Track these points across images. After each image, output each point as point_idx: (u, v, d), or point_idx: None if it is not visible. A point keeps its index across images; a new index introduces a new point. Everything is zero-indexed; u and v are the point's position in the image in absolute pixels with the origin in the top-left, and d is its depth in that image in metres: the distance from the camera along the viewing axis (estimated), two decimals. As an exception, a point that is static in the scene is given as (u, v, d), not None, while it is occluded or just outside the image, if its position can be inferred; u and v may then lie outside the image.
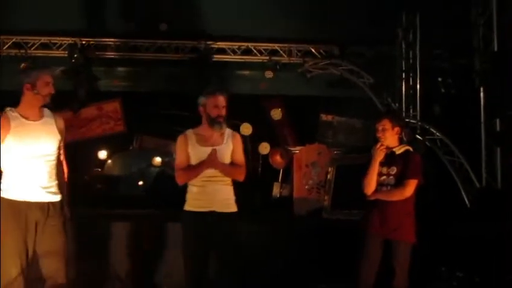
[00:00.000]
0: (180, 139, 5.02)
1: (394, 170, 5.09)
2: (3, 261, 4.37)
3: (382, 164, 5.11)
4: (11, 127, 4.47)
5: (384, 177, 5.10)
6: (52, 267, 4.50)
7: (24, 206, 4.46)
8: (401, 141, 5.27)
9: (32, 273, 4.54)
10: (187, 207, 4.93)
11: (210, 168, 4.82)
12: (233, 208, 4.95)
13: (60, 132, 4.70)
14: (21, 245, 4.42)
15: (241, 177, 4.98)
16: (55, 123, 4.67)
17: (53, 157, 4.63)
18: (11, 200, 4.47)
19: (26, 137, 4.49)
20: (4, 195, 4.49)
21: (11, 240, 4.40)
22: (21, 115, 4.54)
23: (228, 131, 5.01)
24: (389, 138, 5.14)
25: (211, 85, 5.15)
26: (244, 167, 5.00)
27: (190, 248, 4.86)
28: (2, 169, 4.54)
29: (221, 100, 4.92)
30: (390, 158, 5.11)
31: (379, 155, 5.09)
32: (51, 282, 4.50)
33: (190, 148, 4.92)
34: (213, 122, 4.91)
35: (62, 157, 4.79)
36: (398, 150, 5.15)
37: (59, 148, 4.68)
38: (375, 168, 5.08)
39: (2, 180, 4.54)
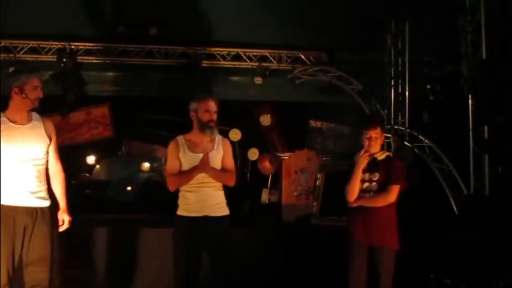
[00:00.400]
0: (171, 145, 5.03)
1: (376, 176, 5.06)
2: None
3: (364, 171, 5.08)
4: None
5: (367, 183, 5.08)
6: (37, 276, 4.45)
7: (12, 211, 4.42)
8: (382, 147, 5.25)
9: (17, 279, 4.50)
10: (179, 211, 4.95)
11: (202, 173, 4.83)
12: (225, 211, 4.99)
13: (49, 136, 4.66)
14: (9, 251, 4.38)
15: (231, 182, 5.02)
16: (43, 127, 4.63)
17: (42, 161, 4.60)
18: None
19: (13, 141, 4.45)
20: None
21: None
22: (8, 119, 4.52)
23: (218, 137, 5.03)
24: (377, 146, 5.14)
25: (202, 90, 5.17)
26: (234, 172, 5.04)
27: (182, 252, 4.86)
28: None
29: (212, 105, 4.94)
30: (372, 164, 5.09)
31: (363, 162, 5.06)
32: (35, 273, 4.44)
33: (181, 154, 4.93)
34: (204, 126, 4.93)
35: (56, 161, 4.74)
36: (380, 156, 5.13)
37: (47, 152, 4.64)
38: (358, 175, 5.05)
39: None
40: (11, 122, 4.51)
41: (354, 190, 5.04)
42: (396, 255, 5.04)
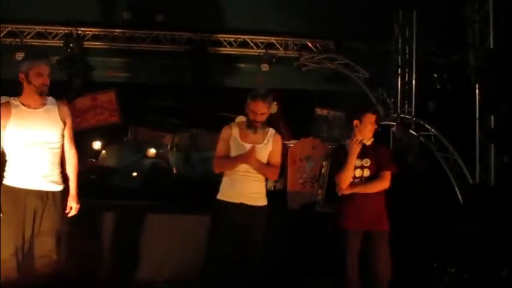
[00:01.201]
0: (224, 130, 5.12)
1: (368, 162, 5.02)
2: (2, 248, 4.40)
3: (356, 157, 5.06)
4: (11, 115, 4.49)
5: (359, 170, 5.05)
6: (44, 247, 4.49)
7: (23, 193, 4.48)
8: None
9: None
10: (219, 196, 5.05)
11: (246, 164, 4.93)
12: (262, 202, 5.07)
13: (63, 120, 4.67)
14: (19, 231, 4.43)
15: (273, 177, 5.27)
16: (57, 112, 4.65)
17: (55, 145, 4.62)
18: (11, 186, 4.50)
19: (27, 125, 4.50)
20: (5, 182, 4.52)
21: (9, 228, 4.42)
22: (22, 103, 4.57)
23: (270, 131, 5.12)
24: (372, 132, 5.11)
25: (258, 90, 5.21)
26: (278, 168, 5.15)
27: (216, 235, 5.01)
28: (6, 156, 4.57)
29: (259, 106, 4.99)
30: (362, 150, 5.04)
31: (356, 149, 5.00)
32: (43, 260, 4.49)
33: (232, 140, 5.03)
34: (249, 124, 5.03)
35: (70, 146, 4.76)
36: (368, 142, 5.08)
37: (62, 137, 4.67)
38: (352, 162, 5.00)
39: (5, 168, 4.57)
40: (25, 106, 4.56)
41: (347, 177, 5.01)
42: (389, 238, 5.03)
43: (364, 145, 5.05)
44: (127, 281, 6.57)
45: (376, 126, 5.11)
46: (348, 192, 5.03)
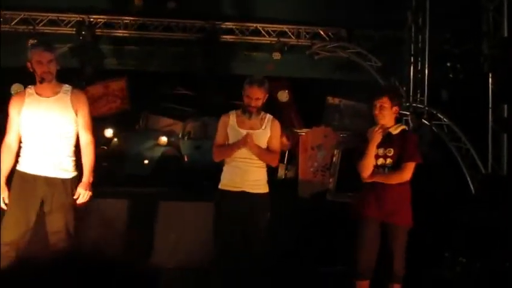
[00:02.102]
0: (222, 119, 5.15)
1: (391, 152, 4.90)
2: (3, 232, 4.45)
3: (378, 146, 4.91)
4: (24, 103, 4.54)
5: (381, 159, 4.92)
6: (56, 223, 4.52)
7: (31, 179, 4.51)
8: (396, 121, 5.06)
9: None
10: (220, 185, 5.07)
11: (246, 150, 4.95)
12: (263, 189, 5.07)
13: (75, 108, 4.66)
14: (21, 217, 4.47)
15: (273, 163, 5.20)
16: (70, 100, 4.64)
17: (67, 134, 4.62)
18: (21, 172, 4.55)
19: (37, 113, 4.53)
20: (18, 167, 4.58)
21: (14, 212, 4.48)
22: (36, 92, 4.59)
23: (268, 117, 5.11)
24: (387, 117, 4.93)
25: (254, 76, 5.21)
26: (278, 153, 5.17)
27: (220, 224, 5.02)
28: (22, 143, 4.62)
29: (253, 91, 4.99)
30: (386, 139, 4.90)
31: (377, 138, 4.88)
32: (56, 236, 4.50)
33: (229, 128, 5.05)
34: (244, 110, 5.04)
35: (86, 135, 4.75)
36: (395, 130, 4.93)
37: (74, 125, 4.66)
38: (372, 151, 4.89)
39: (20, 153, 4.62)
40: (38, 94, 4.58)
41: (368, 166, 4.90)
42: (408, 233, 4.97)
43: (389, 133, 4.94)
44: (137, 268, 6.59)
45: (391, 111, 4.96)
46: (369, 180, 4.96)
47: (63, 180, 4.60)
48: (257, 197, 5.00)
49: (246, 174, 4.98)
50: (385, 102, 4.94)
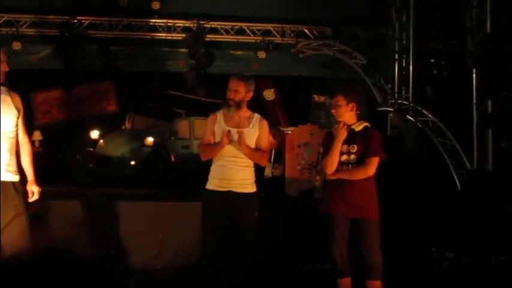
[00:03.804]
0: (210, 117, 5.15)
1: (354, 148, 4.92)
2: None
3: (342, 143, 4.94)
4: None
5: (345, 156, 4.93)
6: (14, 232, 4.42)
7: None
8: (358, 118, 5.03)
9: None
10: (208, 185, 5.05)
11: (232, 149, 4.92)
12: (251, 189, 5.04)
13: (18, 109, 4.62)
14: None
15: (263, 162, 5.21)
16: (11, 100, 4.61)
17: (12, 134, 4.56)
18: None
19: None
20: None
21: None
22: None
23: (256, 116, 5.08)
24: (345, 114, 4.96)
25: (241, 71, 5.21)
26: (267, 152, 5.17)
27: (207, 225, 5.00)
28: None
29: (232, 83, 5.00)
30: (350, 136, 4.92)
31: (342, 134, 4.90)
32: (13, 247, 4.40)
33: (216, 127, 5.03)
34: (224, 103, 5.07)
35: (23, 134, 4.71)
36: (358, 127, 4.96)
37: (17, 125, 4.62)
38: (337, 148, 4.91)
39: None
40: None
41: (333, 163, 4.93)
42: (379, 227, 4.96)
43: (352, 130, 4.97)
44: (125, 269, 6.58)
45: (348, 108, 4.98)
46: (333, 177, 4.98)
47: (14, 183, 4.54)
48: (245, 196, 4.97)
49: (233, 174, 4.95)
50: (339, 100, 4.98)
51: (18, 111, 4.62)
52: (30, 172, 4.73)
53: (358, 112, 5.00)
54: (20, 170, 4.67)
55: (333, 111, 5.03)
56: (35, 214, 4.77)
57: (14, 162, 4.58)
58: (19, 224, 4.48)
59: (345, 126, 4.94)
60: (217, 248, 4.92)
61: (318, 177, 8.33)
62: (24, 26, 12.28)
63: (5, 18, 12.18)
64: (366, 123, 5.04)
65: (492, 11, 9.23)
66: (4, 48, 4.70)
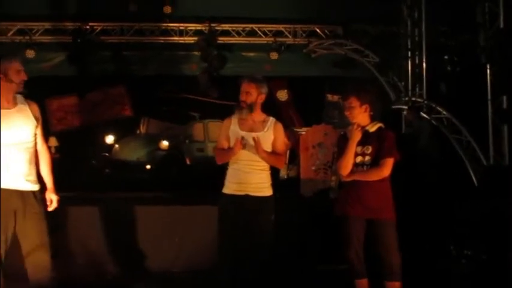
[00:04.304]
0: (225, 121, 5.15)
1: (369, 149, 4.90)
2: None
3: (356, 144, 4.93)
4: None
5: (360, 157, 4.91)
6: (39, 261, 4.45)
7: (4, 194, 4.41)
8: (372, 118, 5.01)
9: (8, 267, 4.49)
10: (224, 190, 5.06)
11: (248, 153, 4.93)
12: (267, 192, 5.04)
13: (36, 118, 4.65)
14: (2, 233, 4.39)
15: (280, 165, 5.25)
16: (30, 110, 4.63)
17: (31, 144, 4.58)
18: None
19: (1, 126, 4.43)
20: None
21: None
22: None
23: (271, 120, 5.09)
24: (359, 116, 4.95)
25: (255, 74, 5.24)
26: (284, 155, 5.24)
27: (224, 229, 5.01)
28: None
29: (244, 86, 5.00)
30: (364, 137, 4.91)
31: (357, 136, 4.88)
32: (38, 277, 4.43)
33: (231, 131, 5.03)
34: (236, 105, 5.05)
35: (42, 143, 4.74)
36: (372, 128, 4.94)
37: (35, 135, 4.64)
38: (352, 150, 4.89)
39: None
40: None
41: (347, 164, 4.91)
42: (396, 227, 4.93)
43: (367, 132, 4.95)
44: (142, 273, 6.61)
45: (361, 109, 4.96)
46: (348, 179, 4.96)
47: (34, 193, 4.54)
48: (261, 200, 4.97)
49: (250, 177, 4.95)
50: (353, 102, 4.96)
51: (37, 120, 4.64)
52: (50, 180, 4.76)
53: (371, 113, 4.98)
54: (39, 178, 4.69)
55: (347, 113, 5.00)
56: (54, 220, 4.78)
57: (33, 171, 4.60)
58: (41, 235, 4.50)
59: (359, 128, 4.92)
60: (233, 252, 4.92)
61: (333, 178, 8.28)
62: (37, 34, 12.36)
63: (18, 27, 12.27)
64: (380, 124, 5.01)
65: (505, 5, 9.15)
66: (19, 57, 4.72)
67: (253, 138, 4.87)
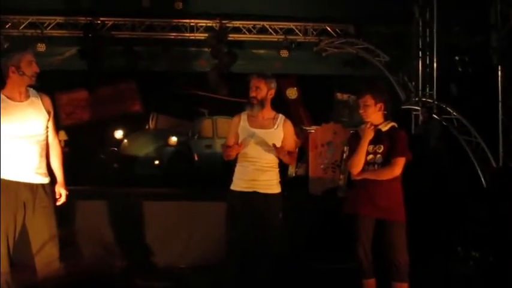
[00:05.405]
0: (234, 118, 5.15)
1: (381, 148, 4.86)
2: None
3: (368, 143, 4.88)
4: None
5: (371, 155, 4.87)
6: (47, 254, 4.45)
7: (14, 186, 4.43)
8: (385, 117, 4.97)
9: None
10: (232, 186, 5.05)
11: (256, 150, 4.92)
12: (276, 189, 5.02)
13: (48, 111, 4.65)
14: (11, 225, 4.41)
15: (292, 162, 5.43)
16: (41, 103, 4.64)
17: (43, 137, 4.58)
18: (1, 179, 4.43)
19: (13, 118, 4.44)
20: None
21: (0, 220, 4.39)
22: (7, 97, 4.49)
23: (280, 117, 5.07)
24: (373, 115, 4.90)
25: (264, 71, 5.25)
26: (296, 152, 5.25)
27: (231, 226, 5.00)
28: None
29: (254, 82, 4.99)
30: (376, 136, 4.86)
31: (369, 134, 4.84)
32: (47, 269, 4.43)
33: (240, 128, 5.02)
34: (247, 102, 5.04)
35: (54, 136, 4.74)
36: (384, 127, 4.89)
37: (47, 128, 4.65)
38: (364, 148, 4.85)
39: None
40: (10, 99, 4.52)
41: (359, 163, 4.88)
42: (405, 228, 4.91)
43: (379, 130, 4.93)
44: (150, 268, 6.62)
45: (376, 108, 4.95)
46: (359, 178, 4.94)
47: (43, 186, 4.55)
48: (269, 197, 4.95)
49: (258, 175, 4.93)
50: (368, 100, 4.92)
51: (49, 113, 4.64)
52: (60, 174, 4.76)
53: (385, 112, 4.96)
54: (49, 172, 4.70)
55: (361, 111, 4.97)
56: (62, 214, 4.79)
57: (44, 164, 4.60)
58: (50, 229, 4.51)
59: (372, 127, 4.90)
60: (241, 249, 4.92)
61: (341, 176, 8.31)
62: (49, 28, 12.40)
63: (29, 20, 12.31)
64: (392, 123, 4.99)
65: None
66: (33, 49, 4.74)
67: (274, 144, 4.84)
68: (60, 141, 4.90)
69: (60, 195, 4.72)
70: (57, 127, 4.88)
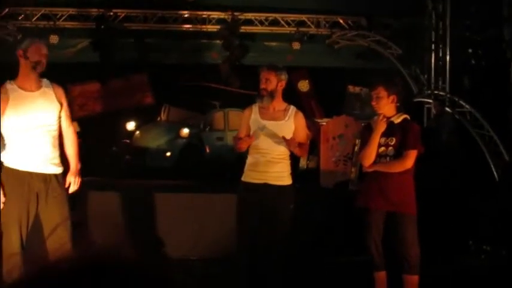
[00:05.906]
0: (245, 111, 5.16)
1: (393, 141, 4.84)
2: (6, 229, 4.41)
3: (380, 135, 4.88)
4: (9, 99, 4.47)
5: (383, 148, 4.86)
6: (60, 239, 4.46)
7: (26, 176, 4.47)
8: (398, 110, 4.97)
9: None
10: (243, 177, 5.07)
11: (267, 142, 4.93)
12: (287, 181, 5.03)
13: (60, 101, 4.67)
14: (24, 215, 4.45)
15: (303, 155, 5.50)
16: (54, 93, 4.65)
17: (54, 127, 4.60)
18: (14, 169, 4.48)
19: (25, 108, 4.47)
20: (7, 164, 4.50)
21: (13, 209, 4.43)
22: (19, 87, 4.53)
23: (292, 109, 5.06)
24: (385, 107, 4.89)
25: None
26: (307, 144, 5.25)
27: (243, 217, 5.01)
28: (5, 140, 4.54)
29: (264, 73, 4.98)
30: (389, 128, 4.85)
31: (382, 126, 4.82)
32: (58, 253, 4.43)
33: (251, 121, 5.02)
34: (257, 94, 5.05)
35: (68, 124, 4.75)
36: (397, 120, 4.89)
37: (59, 118, 4.66)
38: (376, 140, 4.83)
39: (5, 151, 4.53)
40: (21, 89, 4.54)
41: (371, 155, 4.86)
42: (416, 221, 4.89)
43: (392, 123, 4.90)
44: (160, 260, 6.64)
45: (389, 100, 4.92)
46: (370, 170, 4.93)
47: (56, 176, 4.56)
48: (280, 188, 4.95)
49: (269, 166, 4.93)
50: (380, 92, 4.90)
51: (61, 104, 4.66)
52: (74, 162, 4.77)
53: (398, 104, 4.94)
54: (63, 161, 4.73)
55: (374, 103, 4.95)
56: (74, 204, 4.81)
57: (56, 154, 4.63)
58: (61, 216, 4.53)
59: (385, 119, 4.88)
60: (252, 240, 4.93)
61: (353, 169, 8.29)
62: (61, 20, 12.43)
63: (42, 12, 12.34)
64: (405, 116, 4.97)
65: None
66: (45, 41, 4.77)
67: (283, 137, 4.83)
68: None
69: (73, 183, 4.74)
70: (71, 118, 4.90)
